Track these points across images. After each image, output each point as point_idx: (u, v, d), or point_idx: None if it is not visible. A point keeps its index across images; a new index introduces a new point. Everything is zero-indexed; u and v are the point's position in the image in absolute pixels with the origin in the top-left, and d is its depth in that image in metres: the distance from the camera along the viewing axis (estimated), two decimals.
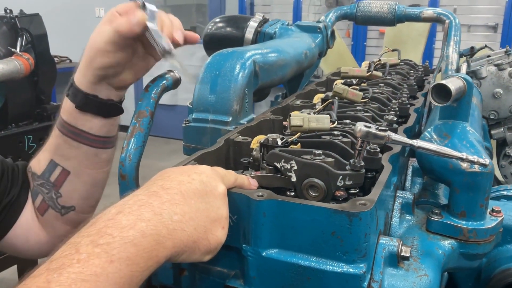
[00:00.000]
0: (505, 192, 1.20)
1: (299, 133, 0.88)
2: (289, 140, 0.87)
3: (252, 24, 1.77)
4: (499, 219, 0.89)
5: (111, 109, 0.95)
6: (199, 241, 0.64)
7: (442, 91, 0.91)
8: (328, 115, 0.88)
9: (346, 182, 0.78)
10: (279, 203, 0.74)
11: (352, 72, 1.33)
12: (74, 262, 0.51)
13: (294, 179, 0.80)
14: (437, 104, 0.91)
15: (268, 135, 0.88)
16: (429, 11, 1.88)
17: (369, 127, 0.75)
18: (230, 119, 1.25)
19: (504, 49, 1.74)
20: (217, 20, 1.94)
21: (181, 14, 7.96)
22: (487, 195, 0.87)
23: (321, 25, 1.77)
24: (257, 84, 1.31)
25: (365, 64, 1.73)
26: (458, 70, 1.80)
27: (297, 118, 0.83)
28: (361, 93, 1.11)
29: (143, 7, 0.86)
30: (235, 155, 1.04)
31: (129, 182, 0.86)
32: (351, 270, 0.69)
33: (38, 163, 0.99)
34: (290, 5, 6.57)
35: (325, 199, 0.79)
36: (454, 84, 0.89)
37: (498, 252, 1.01)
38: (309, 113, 1.01)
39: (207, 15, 7.55)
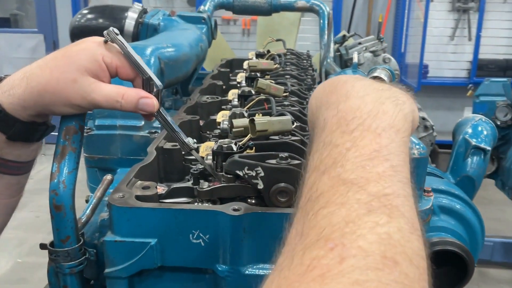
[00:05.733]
0: None
1: (248, 136, 0.83)
2: (242, 144, 0.82)
3: (132, 15, 1.62)
4: (432, 198, 0.96)
5: (46, 131, 0.78)
6: None
7: None
8: (289, 116, 0.85)
9: None
10: (260, 215, 0.69)
11: (260, 65, 1.30)
12: (349, 147, 0.49)
13: (261, 186, 0.75)
14: None
15: (219, 141, 0.81)
16: (302, 2, 1.95)
17: None
18: (143, 123, 1.14)
19: (376, 36, 1.89)
20: (86, 11, 1.75)
21: None
22: (424, 178, 0.93)
23: (205, 15, 1.70)
24: (164, 82, 1.21)
25: (251, 54, 1.72)
26: (335, 57, 1.91)
27: (261, 123, 0.77)
28: (283, 88, 1.10)
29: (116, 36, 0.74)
30: (166, 164, 0.95)
31: (66, 213, 0.71)
32: None
33: None
34: None
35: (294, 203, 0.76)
36: (385, 75, 0.93)
37: None
38: (245, 112, 0.97)
39: (27, 2, 6.72)
